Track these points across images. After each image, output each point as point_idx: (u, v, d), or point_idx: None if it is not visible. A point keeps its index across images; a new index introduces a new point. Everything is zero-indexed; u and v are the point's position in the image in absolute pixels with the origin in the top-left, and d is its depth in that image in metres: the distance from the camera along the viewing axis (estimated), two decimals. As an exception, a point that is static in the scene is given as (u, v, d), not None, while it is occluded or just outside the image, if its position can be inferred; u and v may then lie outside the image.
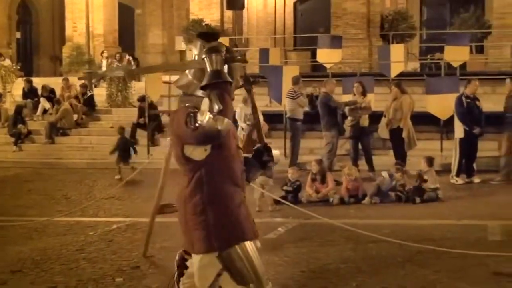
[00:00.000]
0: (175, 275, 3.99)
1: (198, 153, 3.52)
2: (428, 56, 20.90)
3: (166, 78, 14.57)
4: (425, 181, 9.76)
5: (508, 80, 11.94)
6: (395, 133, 12.04)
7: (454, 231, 7.78)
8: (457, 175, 11.57)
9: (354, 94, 12.76)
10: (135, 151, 13.56)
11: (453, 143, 12.11)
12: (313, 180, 10.02)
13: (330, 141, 12.39)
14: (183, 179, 3.66)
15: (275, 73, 15.28)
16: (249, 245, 3.61)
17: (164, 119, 15.53)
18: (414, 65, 20.47)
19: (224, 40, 19.41)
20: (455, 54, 16.83)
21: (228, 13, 22.79)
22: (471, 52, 18.31)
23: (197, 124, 3.39)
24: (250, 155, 4.02)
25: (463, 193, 10.55)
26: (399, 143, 12.06)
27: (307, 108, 13.93)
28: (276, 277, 5.86)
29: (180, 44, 22.49)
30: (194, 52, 3.93)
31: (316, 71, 19.04)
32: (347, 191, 9.89)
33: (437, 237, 7.41)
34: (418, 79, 15.89)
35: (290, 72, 14.87)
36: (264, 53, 18.94)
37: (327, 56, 18.14)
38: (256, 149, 4.05)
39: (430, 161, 10.32)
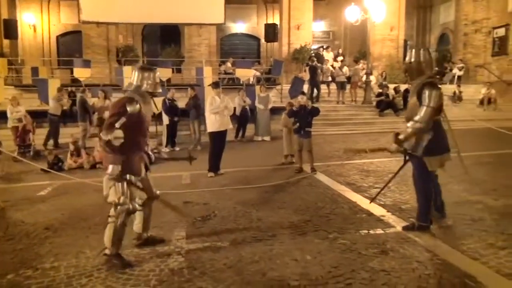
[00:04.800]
0: None
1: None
2: (149, 75, 20.95)
3: None
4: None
5: (189, 89, 12.48)
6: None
7: (163, 180, 7.81)
8: (166, 146, 11.81)
9: (99, 97, 12.26)
10: None
11: (163, 127, 12.27)
12: (72, 154, 9.40)
13: (84, 128, 11.81)
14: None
15: (44, 84, 14.11)
16: (134, 177, 4.02)
17: None
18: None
19: (2, 60, 17.48)
20: (165, 73, 17.06)
21: (6, 41, 20.12)
22: (173, 72, 18.81)
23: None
24: None
25: (168, 156, 10.66)
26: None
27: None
28: (45, 219, 5.48)
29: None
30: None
31: (75, 83, 17.69)
32: (98, 160, 9.44)
33: (157, 184, 7.43)
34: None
35: (54, 84, 13.91)
36: (35, 70, 17.27)
37: (81, 73, 17.06)
38: None
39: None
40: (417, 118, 4.35)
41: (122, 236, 3.96)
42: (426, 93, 4.36)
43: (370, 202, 5.69)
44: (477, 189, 6.34)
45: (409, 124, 4.41)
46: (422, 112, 4.34)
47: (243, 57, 21.42)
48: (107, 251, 3.98)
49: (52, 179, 8.08)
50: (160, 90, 4.27)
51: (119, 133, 3.80)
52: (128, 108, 3.86)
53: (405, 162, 4.88)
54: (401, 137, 4.46)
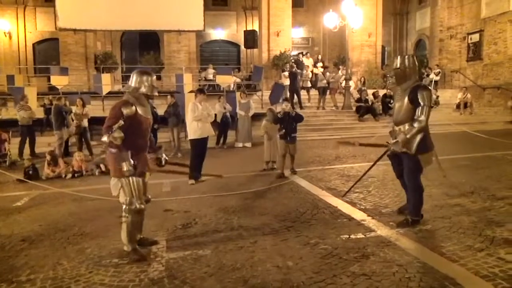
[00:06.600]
0: None
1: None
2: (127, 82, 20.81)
3: None
4: None
5: (169, 96, 12.40)
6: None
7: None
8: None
9: (77, 106, 12.08)
10: None
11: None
12: (49, 164, 9.22)
13: (60, 137, 11.60)
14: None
15: (20, 92, 13.85)
16: (137, 178, 4.18)
17: None
18: (118, 87, 20.10)
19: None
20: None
21: (-20, 49, 19.81)
22: (154, 79, 18.67)
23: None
24: None
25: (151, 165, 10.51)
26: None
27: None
28: (21, 231, 5.33)
29: None
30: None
31: (52, 91, 17.43)
32: (76, 169, 9.32)
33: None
34: (120, 96, 15.65)
35: (31, 92, 13.67)
36: (10, 78, 16.94)
37: (58, 81, 16.82)
38: None
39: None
40: (421, 117, 4.66)
41: (135, 233, 4.30)
42: (423, 94, 4.71)
43: (343, 196, 6.22)
44: (455, 192, 6.44)
45: (415, 124, 4.68)
46: (424, 111, 4.68)
47: (226, 64, 21.49)
48: (125, 248, 4.31)
49: (29, 189, 7.89)
50: (157, 94, 4.43)
51: (117, 134, 3.93)
52: (124, 111, 3.99)
53: (380, 158, 5.50)
54: (408, 136, 4.71)
